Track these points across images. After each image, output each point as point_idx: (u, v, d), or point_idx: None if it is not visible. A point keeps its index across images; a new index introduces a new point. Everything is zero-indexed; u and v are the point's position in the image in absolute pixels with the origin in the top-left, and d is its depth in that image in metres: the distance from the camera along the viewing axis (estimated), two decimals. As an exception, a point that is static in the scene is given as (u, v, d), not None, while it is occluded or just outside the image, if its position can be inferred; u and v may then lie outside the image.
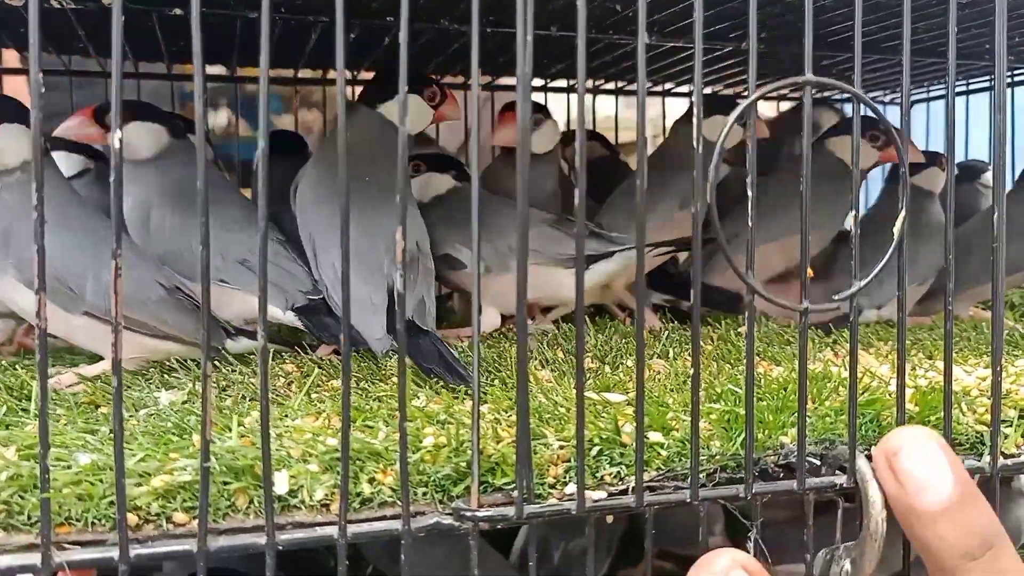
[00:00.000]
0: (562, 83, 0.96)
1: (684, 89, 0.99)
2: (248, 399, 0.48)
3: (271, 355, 0.57)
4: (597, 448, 0.40)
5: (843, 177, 0.70)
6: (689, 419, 0.38)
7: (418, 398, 0.48)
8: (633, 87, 0.96)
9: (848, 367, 0.41)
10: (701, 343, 0.63)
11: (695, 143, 0.36)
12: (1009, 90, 0.86)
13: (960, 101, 0.93)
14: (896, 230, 0.39)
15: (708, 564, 0.36)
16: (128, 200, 0.62)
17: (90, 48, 0.75)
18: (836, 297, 0.39)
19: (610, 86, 0.97)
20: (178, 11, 0.60)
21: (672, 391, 0.49)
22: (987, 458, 0.43)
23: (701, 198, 0.36)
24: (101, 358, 0.55)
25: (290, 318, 0.59)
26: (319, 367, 0.55)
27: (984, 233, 0.44)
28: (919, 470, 0.36)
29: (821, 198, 0.49)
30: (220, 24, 0.66)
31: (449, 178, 0.72)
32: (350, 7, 0.64)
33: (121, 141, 0.32)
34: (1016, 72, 0.86)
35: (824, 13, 0.63)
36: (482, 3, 0.50)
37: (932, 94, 0.98)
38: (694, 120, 0.36)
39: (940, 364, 0.47)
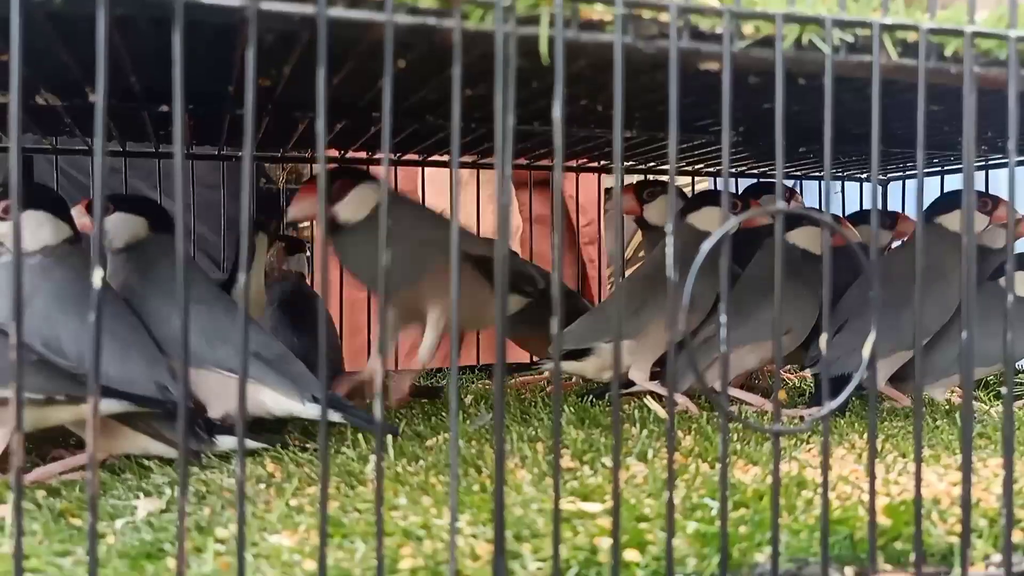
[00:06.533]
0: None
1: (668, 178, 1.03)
2: (225, 507, 0.48)
3: (250, 455, 0.58)
4: (574, 572, 0.40)
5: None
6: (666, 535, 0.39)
7: (399, 500, 0.48)
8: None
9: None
10: (680, 436, 0.64)
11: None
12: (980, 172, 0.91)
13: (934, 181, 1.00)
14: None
15: None
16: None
17: (76, 131, 0.76)
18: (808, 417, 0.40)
19: (594, 164, 1.02)
20: (165, 108, 0.62)
21: (651, 495, 0.49)
22: (957, 569, 0.44)
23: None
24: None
25: (310, 410, 0.61)
26: (297, 464, 0.55)
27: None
28: None
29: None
30: (209, 115, 0.67)
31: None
32: (340, 106, 0.65)
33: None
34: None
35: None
36: (469, 102, 0.52)
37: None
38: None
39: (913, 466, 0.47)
